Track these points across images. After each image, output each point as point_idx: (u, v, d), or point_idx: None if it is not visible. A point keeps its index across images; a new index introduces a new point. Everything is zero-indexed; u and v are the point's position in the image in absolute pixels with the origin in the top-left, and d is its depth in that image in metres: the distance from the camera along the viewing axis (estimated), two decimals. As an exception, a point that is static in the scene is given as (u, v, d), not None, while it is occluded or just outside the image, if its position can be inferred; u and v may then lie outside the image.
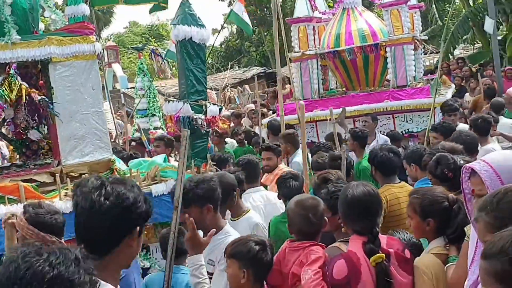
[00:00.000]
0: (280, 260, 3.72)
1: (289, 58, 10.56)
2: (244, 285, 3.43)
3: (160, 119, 13.87)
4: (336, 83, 12.03)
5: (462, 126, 7.75)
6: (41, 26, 6.19)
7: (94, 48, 5.61)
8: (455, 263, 3.24)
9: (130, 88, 26.08)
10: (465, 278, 2.85)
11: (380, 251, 3.31)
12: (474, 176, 2.73)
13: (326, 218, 3.75)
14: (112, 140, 9.87)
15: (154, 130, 13.45)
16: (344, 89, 11.46)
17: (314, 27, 11.21)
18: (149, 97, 13.88)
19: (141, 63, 14.01)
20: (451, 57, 19.15)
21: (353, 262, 3.26)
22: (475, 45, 22.24)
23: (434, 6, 20.69)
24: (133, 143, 9.83)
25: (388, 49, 10.36)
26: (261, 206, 5.36)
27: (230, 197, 4.53)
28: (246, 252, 3.41)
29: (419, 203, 3.47)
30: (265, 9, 32.23)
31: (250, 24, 11.27)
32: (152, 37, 45.78)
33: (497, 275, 1.95)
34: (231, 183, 4.60)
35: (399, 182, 5.15)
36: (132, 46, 34.47)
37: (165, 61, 13.32)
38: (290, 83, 16.23)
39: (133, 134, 13.68)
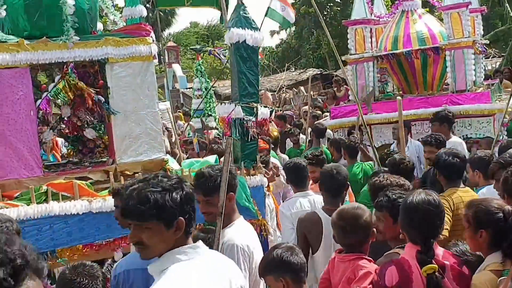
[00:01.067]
0: (329, 269, 3.69)
1: (345, 60, 10.52)
2: None
3: (215, 120, 14.01)
4: (393, 86, 11.85)
5: (455, 139, 7.92)
6: (99, 26, 6.34)
7: (151, 50, 5.70)
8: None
9: (189, 88, 26.44)
10: None
11: (434, 263, 3.24)
12: None
13: (374, 229, 3.69)
14: (173, 140, 10.03)
15: (209, 131, 13.61)
16: (401, 92, 11.27)
17: (371, 29, 11.07)
18: (206, 97, 14.06)
19: (199, 64, 14.19)
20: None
21: (404, 269, 3.21)
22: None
23: (507, 5, 19.95)
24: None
25: (447, 52, 10.12)
26: (308, 211, 5.32)
27: (346, 188, 4.94)
28: (271, 260, 3.29)
29: (473, 213, 3.37)
30: (324, 12, 32.08)
31: (292, 18, 11.40)
32: (211, 37, 46.16)
33: None
34: (347, 175, 4.95)
35: (464, 187, 5.09)
36: (190, 47, 34.90)
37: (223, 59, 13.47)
38: (346, 85, 16.14)
39: (189, 134, 13.89)
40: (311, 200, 5.42)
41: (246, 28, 5.64)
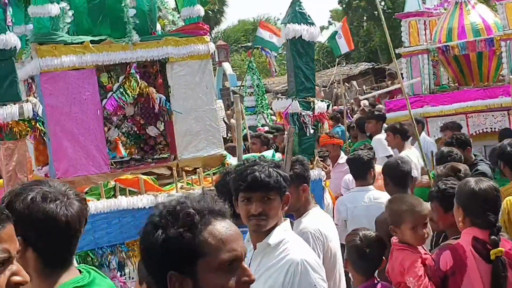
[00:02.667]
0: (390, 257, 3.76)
1: (399, 53, 10.48)
2: (354, 278, 3.51)
3: (268, 116, 14.11)
4: (448, 79, 11.71)
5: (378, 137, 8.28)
6: (158, 27, 6.52)
7: (208, 48, 5.85)
8: None
9: (240, 86, 26.60)
10: None
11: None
12: None
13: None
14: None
15: (261, 127, 13.71)
16: (456, 84, 11.14)
17: (425, 21, 10.99)
18: (258, 94, 14.16)
19: (251, 62, 14.29)
20: None
21: (458, 254, 3.27)
22: None
23: None
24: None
25: (502, 43, 9.95)
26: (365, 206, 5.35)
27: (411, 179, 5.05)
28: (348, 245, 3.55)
29: None
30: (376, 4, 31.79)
31: (279, 43, 13.20)
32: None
33: None
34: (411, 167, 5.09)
35: None
36: (241, 44, 35.06)
37: (272, 56, 13.65)
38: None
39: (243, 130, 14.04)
40: (370, 196, 5.43)
41: (302, 24, 5.72)
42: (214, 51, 23.93)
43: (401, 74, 10.17)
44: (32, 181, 2.40)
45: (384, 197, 5.29)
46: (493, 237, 3.29)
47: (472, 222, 3.39)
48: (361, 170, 5.56)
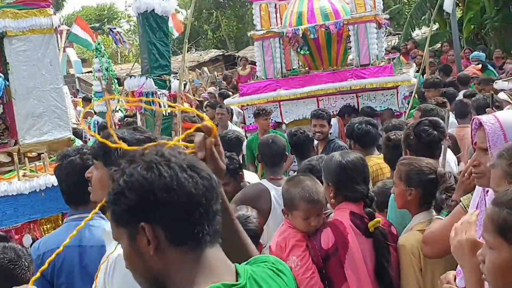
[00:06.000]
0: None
1: (251, 36, 10.47)
2: None
3: (118, 101, 13.53)
4: (299, 62, 11.90)
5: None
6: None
7: (52, 22, 5.45)
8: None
9: (85, 73, 25.54)
10: (442, 234, 2.76)
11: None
12: (480, 129, 2.60)
13: None
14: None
15: (112, 113, 13.13)
16: (307, 68, 11.34)
17: (276, 5, 11.04)
18: (107, 79, 13.54)
19: (98, 44, 13.61)
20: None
21: (339, 230, 3.15)
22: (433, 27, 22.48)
23: None
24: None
25: (350, 27, 10.26)
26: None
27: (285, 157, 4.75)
28: None
29: (405, 170, 3.36)
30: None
31: (90, 40, 13.68)
32: (103, 19, 45.02)
33: (497, 224, 1.88)
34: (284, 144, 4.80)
35: (379, 154, 5.09)
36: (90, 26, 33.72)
37: (123, 40, 13.13)
38: (250, 64, 16.10)
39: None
40: None
41: (154, -3, 5.43)
42: (58, 36, 22.73)
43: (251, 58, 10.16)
44: None
45: None
46: (367, 209, 3.22)
47: (344, 196, 3.29)
48: None
